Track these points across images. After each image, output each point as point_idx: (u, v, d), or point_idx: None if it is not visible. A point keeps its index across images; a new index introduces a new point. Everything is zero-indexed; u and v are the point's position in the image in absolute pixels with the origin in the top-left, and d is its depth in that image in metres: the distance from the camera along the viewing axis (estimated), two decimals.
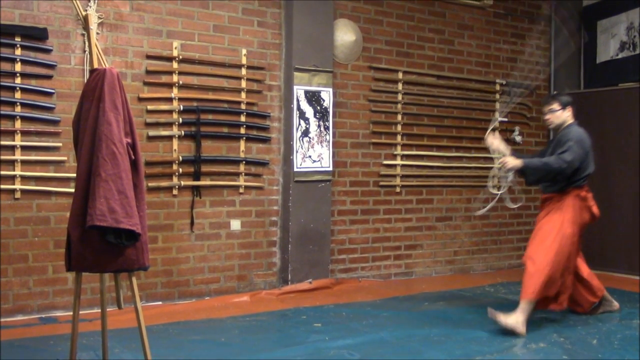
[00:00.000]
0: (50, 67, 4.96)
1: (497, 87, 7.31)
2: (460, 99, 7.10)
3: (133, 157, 3.24)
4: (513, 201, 5.19)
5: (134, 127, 3.29)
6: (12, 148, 4.82)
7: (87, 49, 4.98)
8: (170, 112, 5.44)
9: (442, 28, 6.99)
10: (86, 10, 4.89)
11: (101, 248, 3.14)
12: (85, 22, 3.48)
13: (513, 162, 4.79)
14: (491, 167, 5.28)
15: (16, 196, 4.84)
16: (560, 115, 4.93)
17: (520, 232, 7.56)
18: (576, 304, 5.10)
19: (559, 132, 5.01)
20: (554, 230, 4.73)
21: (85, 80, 4.59)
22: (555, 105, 4.93)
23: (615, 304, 5.26)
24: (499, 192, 5.10)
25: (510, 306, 4.85)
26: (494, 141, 5.04)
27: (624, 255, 7.03)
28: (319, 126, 6.03)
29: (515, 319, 4.54)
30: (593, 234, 7.24)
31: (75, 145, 3.34)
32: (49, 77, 4.95)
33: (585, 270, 5.06)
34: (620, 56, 7.45)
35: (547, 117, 5.01)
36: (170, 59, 5.44)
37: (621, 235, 7.06)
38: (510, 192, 5.20)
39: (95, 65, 3.32)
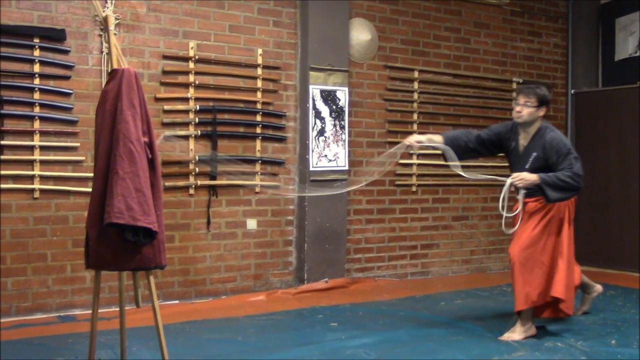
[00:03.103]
0: (68, 67, 5.00)
1: (514, 86, 7.27)
2: (476, 98, 7.06)
3: (150, 156, 3.25)
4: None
5: (151, 126, 3.30)
6: (31, 148, 4.87)
7: (104, 49, 5.02)
8: (186, 112, 5.47)
9: (458, 26, 6.96)
10: (104, 11, 4.93)
11: (119, 246, 3.16)
12: (105, 23, 3.51)
13: (529, 177, 4.28)
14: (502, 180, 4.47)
15: (35, 196, 4.89)
16: (534, 112, 4.39)
17: None
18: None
19: (529, 129, 4.46)
20: (551, 236, 4.39)
21: (103, 81, 4.63)
22: (533, 100, 4.37)
23: (598, 286, 5.09)
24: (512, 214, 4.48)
25: None
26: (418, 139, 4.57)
27: (627, 251, 7.00)
28: (334, 125, 6.03)
29: (520, 330, 4.44)
30: (595, 231, 7.21)
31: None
32: (67, 77, 5.00)
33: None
34: (638, 54, 7.38)
35: (518, 109, 4.40)
36: (186, 59, 5.46)
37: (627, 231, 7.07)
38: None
39: (115, 66, 3.34)
